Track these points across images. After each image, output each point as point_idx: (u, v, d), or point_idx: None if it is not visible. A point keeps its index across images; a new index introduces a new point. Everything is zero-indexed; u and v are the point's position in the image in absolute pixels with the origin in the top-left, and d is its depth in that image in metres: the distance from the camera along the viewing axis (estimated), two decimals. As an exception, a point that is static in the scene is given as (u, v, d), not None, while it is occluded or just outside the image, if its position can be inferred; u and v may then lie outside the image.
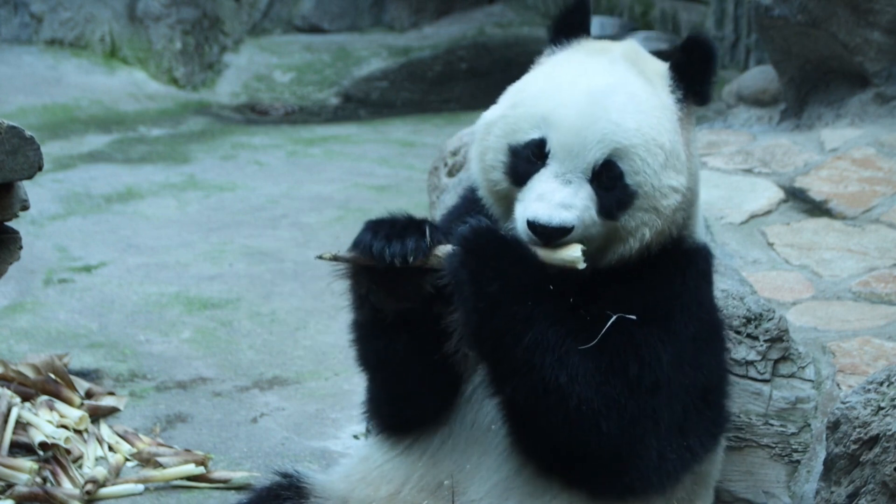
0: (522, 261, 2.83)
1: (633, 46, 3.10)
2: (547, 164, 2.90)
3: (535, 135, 2.93)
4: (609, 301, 2.93)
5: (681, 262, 3.03)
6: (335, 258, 2.95)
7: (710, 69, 3.04)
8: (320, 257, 2.96)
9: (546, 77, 3.02)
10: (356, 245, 2.92)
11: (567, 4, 3.13)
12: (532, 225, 2.84)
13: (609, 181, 2.90)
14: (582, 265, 2.85)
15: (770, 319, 3.58)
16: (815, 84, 5.74)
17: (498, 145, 2.98)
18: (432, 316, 2.94)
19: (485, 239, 2.83)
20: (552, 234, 2.84)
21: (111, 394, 4.81)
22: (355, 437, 4.55)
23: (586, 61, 3.01)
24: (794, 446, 3.60)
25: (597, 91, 2.92)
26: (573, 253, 2.85)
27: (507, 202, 2.98)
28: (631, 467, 2.93)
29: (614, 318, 2.86)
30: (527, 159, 2.93)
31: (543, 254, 2.86)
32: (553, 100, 2.93)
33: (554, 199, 2.86)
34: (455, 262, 2.82)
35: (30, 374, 4.55)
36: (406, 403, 3.10)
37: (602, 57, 3.02)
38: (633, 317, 2.88)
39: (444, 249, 2.87)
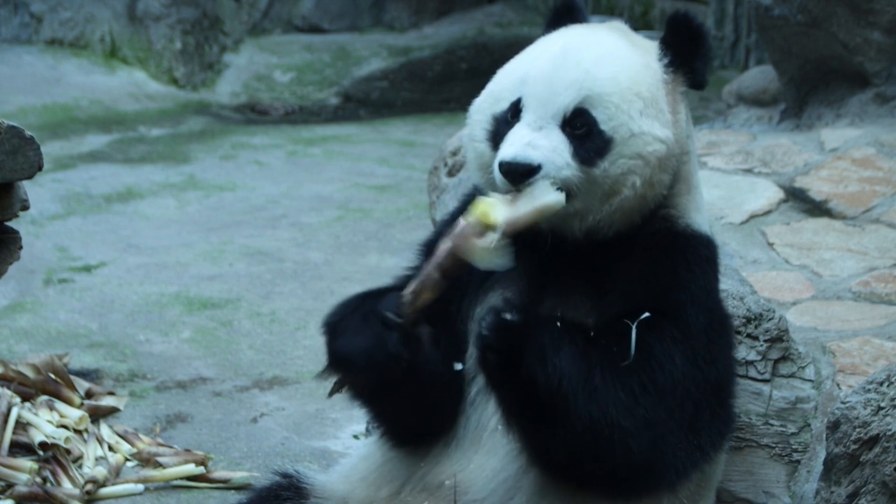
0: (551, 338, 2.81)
1: (619, 24, 3.12)
2: (520, 118, 2.91)
3: (514, 97, 2.94)
4: (616, 297, 2.92)
5: (684, 250, 3.00)
6: (339, 390, 3.01)
7: (701, 46, 3.02)
8: (331, 396, 3.06)
9: (529, 50, 3.06)
10: (341, 365, 2.94)
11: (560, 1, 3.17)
12: (501, 166, 2.84)
13: (582, 128, 2.88)
14: (562, 203, 2.81)
15: (770, 319, 3.57)
16: (815, 84, 5.74)
17: (483, 117, 3.01)
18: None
19: (511, 342, 2.79)
20: (519, 172, 2.81)
21: (111, 394, 4.81)
22: (355, 436, 4.55)
23: (568, 32, 3.04)
24: (794, 446, 3.60)
25: (571, 46, 2.94)
26: (548, 195, 2.80)
27: (485, 187, 2.97)
28: (649, 469, 2.91)
29: (634, 329, 2.84)
30: (505, 121, 2.94)
31: (523, 208, 2.80)
32: (530, 62, 2.97)
33: (522, 141, 2.85)
34: (490, 364, 2.80)
35: (30, 373, 4.55)
36: (407, 424, 3.10)
37: (585, 28, 3.05)
38: (647, 314, 2.86)
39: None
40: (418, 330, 2.90)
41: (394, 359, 2.84)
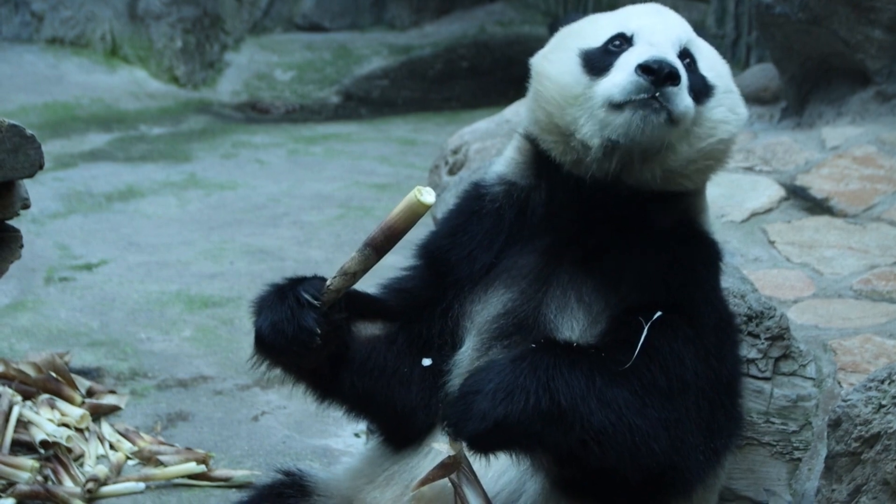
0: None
1: None
2: (635, 44, 2.89)
3: (614, 31, 2.92)
4: (632, 289, 2.88)
5: (699, 249, 3.01)
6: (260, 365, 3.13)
7: None
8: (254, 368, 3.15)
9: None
10: (257, 342, 3.08)
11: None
12: (650, 62, 2.75)
13: (690, 65, 2.90)
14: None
15: (771, 317, 3.58)
16: (816, 82, 5.73)
17: (566, 55, 2.94)
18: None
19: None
20: (666, 72, 2.74)
21: (112, 392, 4.81)
22: (356, 435, 4.55)
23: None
24: (795, 444, 3.60)
25: (658, 6, 3.02)
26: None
27: (569, 124, 2.87)
28: (673, 472, 2.83)
29: (646, 330, 2.79)
30: (606, 51, 2.89)
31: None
32: (626, 11, 3.00)
33: (662, 49, 2.83)
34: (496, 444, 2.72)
35: (31, 372, 4.55)
36: (399, 425, 3.09)
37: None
38: (660, 313, 2.81)
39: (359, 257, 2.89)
40: (337, 316, 2.93)
41: (305, 333, 2.87)
